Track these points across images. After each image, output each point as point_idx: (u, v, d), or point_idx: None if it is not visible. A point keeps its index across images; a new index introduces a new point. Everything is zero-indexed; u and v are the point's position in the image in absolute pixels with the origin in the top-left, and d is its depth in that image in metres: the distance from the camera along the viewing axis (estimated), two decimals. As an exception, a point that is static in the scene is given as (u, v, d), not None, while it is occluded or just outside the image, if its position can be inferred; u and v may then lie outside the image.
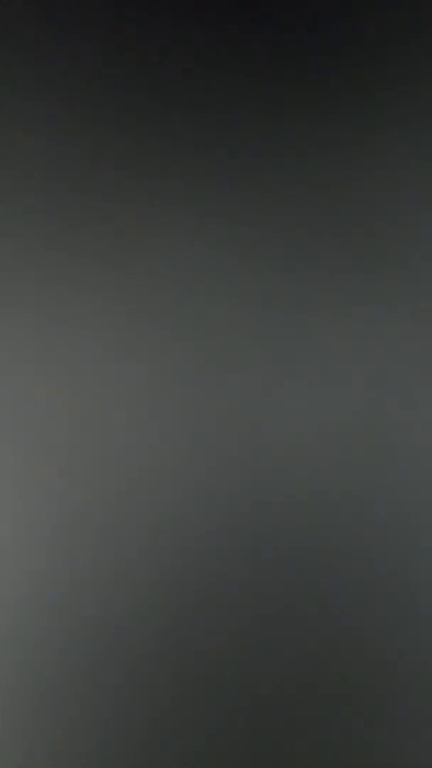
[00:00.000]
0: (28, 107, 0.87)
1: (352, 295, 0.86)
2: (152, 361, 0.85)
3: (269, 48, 0.87)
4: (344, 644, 0.83)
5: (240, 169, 0.86)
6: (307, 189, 0.86)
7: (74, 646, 0.83)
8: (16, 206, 0.86)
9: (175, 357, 0.85)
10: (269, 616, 0.83)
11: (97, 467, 0.84)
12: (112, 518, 0.84)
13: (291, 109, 0.86)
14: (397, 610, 0.83)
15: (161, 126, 0.86)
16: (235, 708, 0.83)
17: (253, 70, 0.87)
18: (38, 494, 0.84)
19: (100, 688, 0.83)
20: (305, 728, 0.83)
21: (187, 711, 0.83)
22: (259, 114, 0.87)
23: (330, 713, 0.83)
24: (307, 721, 0.83)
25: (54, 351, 0.85)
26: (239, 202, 0.86)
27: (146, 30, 0.87)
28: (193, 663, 0.83)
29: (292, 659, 0.83)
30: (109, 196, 0.86)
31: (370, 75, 0.87)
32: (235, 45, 0.87)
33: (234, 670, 0.83)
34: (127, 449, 0.84)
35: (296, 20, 0.87)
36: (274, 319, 0.85)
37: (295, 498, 0.84)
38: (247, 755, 0.82)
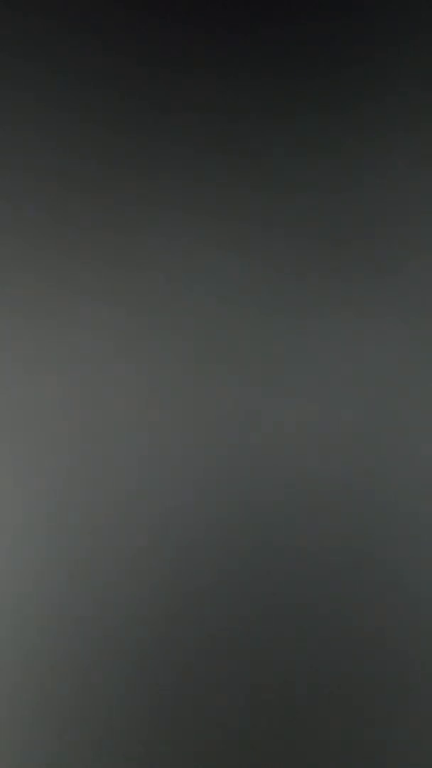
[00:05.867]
0: (29, 107, 0.87)
1: (351, 297, 0.86)
2: (151, 363, 0.85)
3: (270, 49, 0.87)
4: (345, 642, 0.83)
5: (240, 170, 0.86)
6: (307, 191, 0.86)
7: (74, 648, 0.83)
8: (15, 207, 0.86)
9: (174, 359, 0.85)
10: (269, 620, 0.83)
11: (96, 469, 0.84)
12: (112, 520, 0.84)
13: (291, 111, 0.87)
14: (397, 608, 0.83)
15: (161, 126, 0.86)
16: (235, 710, 0.83)
17: (254, 71, 0.87)
18: (38, 496, 0.84)
19: (99, 691, 0.83)
20: (306, 727, 0.83)
21: (187, 713, 0.83)
22: (259, 115, 0.87)
23: (331, 713, 0.83)
24: (308, 720, 0.83)
25: (53, 353, 0.85)
26: (239, 203, 0.86)
27: (146, 29, 0.87)
28: (193, 664, 0.83)
29: (292, 658, 0.83)
30: (108, 196, 0.86)
31: (371, 77, 0.87)
32: (235, 45, 0.87)
33: (234, 673, 0.83)
34: (125, 451, 0.84)
35: (297, 21, 0.87)
36: (274, 320, 0.85)
37: (295, 499, 0.84)
38: (247, 756, 0.82)
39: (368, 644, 0.83)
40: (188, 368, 0.85)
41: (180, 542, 0.84)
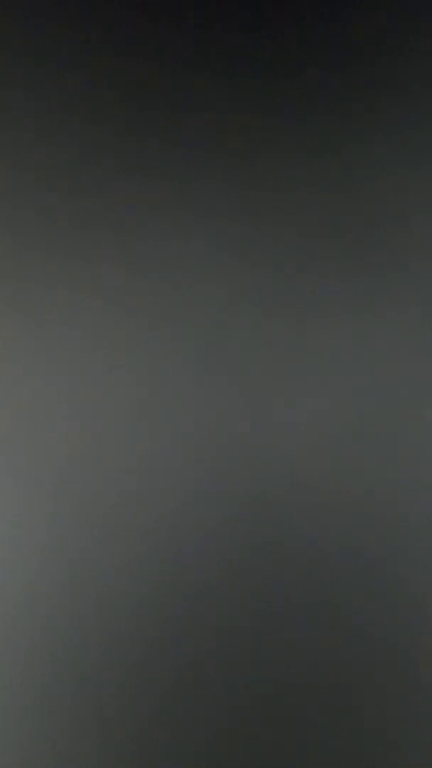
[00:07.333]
0: (28, 107, 0.87)
1: (352, 298, 0.86)
2: (151, 363, 0.85)
3: (270, 48, 0.87)
4: (345, 642, 0.83)
5: (240, 170, 0.86)
6: (307, 191, 0.86)
7: (71, 651, 0.83)
8: (15, 207, 0.86)
9: (175, 359, 0.85)
10: (269, 619, 0.83)
11: (95, 472, 0.84)
12: (110, 523, 0.84)
13: (291, 111, 0.87)
14: (399, 607, 0.83)
15: (161, 126, 0.86)
16: (235, 710, 0.83)
17: (254, 71, 0.87)
18: (36, 498, 0.84)
19: (98, 692, 0.83)
20: (306, 728, 0.83)
21: (187, 715, 0.83)
22: (259, 115, 0.87)
23: (331, 714, 0.83)
24: (309, 720, 0.83)
25: (52, 353, 0.85)
26: (239, 203, 0.86)
27: (146, 29, 0.87)
28: (193, 666, 0.83)
29: (292, 660, 0.83)
30: (108, 196, 0.86)
31: (370, 76, 0.87)
32: (235, 45, 0.87)
33: (234, 675, 0.83)
34: (124, 454, 0.84)
35: (296, 20, 0.87)
36: (275, 321, 0.85)
37: (296, 501, 0.84)
38: (247, 758, 0.82)
39: (370, 644, 0.83)
40: (189, 368, 0.85)
41: (180, 543, 0.84)
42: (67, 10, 0.87)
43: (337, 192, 0.86)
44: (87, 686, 0.83)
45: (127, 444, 0.84)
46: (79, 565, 0.83)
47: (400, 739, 0.82)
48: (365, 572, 0.83)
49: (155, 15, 0.87)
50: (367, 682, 0.83)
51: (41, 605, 0.83)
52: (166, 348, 0.85)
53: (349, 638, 0.83)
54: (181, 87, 0.87)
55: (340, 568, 0.83)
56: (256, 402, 0.85)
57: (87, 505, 0.84)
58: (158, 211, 0.86)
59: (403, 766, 0.82)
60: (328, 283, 0.86)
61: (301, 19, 0.87)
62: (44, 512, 0.84)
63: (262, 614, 0.83)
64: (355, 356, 0.85)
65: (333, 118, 0.86)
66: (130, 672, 0.83)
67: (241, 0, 0.87)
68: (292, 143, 0.86)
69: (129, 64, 0.87)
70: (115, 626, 0.83)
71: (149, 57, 0.87)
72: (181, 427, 0.85)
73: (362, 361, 0.85)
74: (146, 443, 0.84)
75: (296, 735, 0.82)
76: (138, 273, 0.86)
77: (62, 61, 0.86)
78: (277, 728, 0.82)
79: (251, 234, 0.86)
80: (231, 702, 0.83)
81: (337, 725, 0.82)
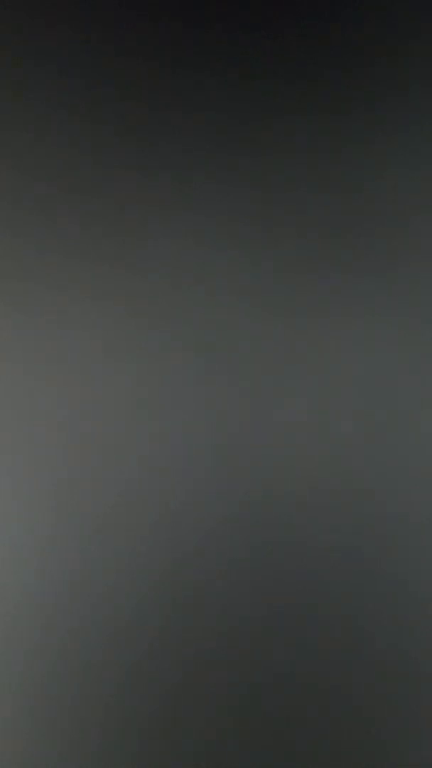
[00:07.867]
0: (29, 107, 0.86)
1: (352, 298, 0.86)
2: (151, 365, 0.85)
3: (270, 47, 0.87)
4: (346, 642, 0.83)
5: (240, 169, 0.86)
6: (308, 190, 0.86)
7: (71, 651, 0.83)
8: (15, 207, 0.86)
9: (174, 360, 0.85)
10: (270, 620, 0.83)
11: (95, 473, 0.84)
12: (110, 523, 0.84)
13: (292, 109, 0.86)
14: (399, 609, 0.83)
15: (161, 125, 0.86)
16: (236, 712, 0.83)
17: (254, 70, 0.87)
18: (36, 499, 0.84)
19: (98, 692, 0.83)
20: (307, 728, 0.83)
21: (188, 715, 0.83)
22: (260, 115, 0.87)
23: (332, 713, 0.83)
24: (309, 720, 0.83)
25: (51, 353, 0.85)
26: (239, 202, 0.86)
27: (146, 29, 0.87)
28: (193, 666, 0.83)
29: (293, 659, 0.83)
30: (108, 196, 0.86)
31: (370, 76, 0.87)
32: (236, 44, 0.87)
33: (234, 675, 0.83)
34: (124, 454, 0.84)
35: (297, 19, 0.87)
36: (275, 321, 0.85)
37: (296, 503, 0.84)
38: (247, 758, 0.82)
39: (370, 644, 0.83)
40: (189, 368, 0.85)
41: (180, 543, 0.84)
42: (67, 10, 0.87)
43: (337, 192, 0.86)
44: (87, 686, 0.83)
45: (127, 444, 0.84)
46: (79, 565, 0.83)
47: (400, 739, 0.82)
48: (365, 572, 0.83)
49: (155, 15, 0.87)
50: (368, 682, 0.83)
51: (41, 605, 0.83)
52: (166, 348, 0.85)
53: (350, 638, 0.83)
54: (181, 87, 0.87)
55: (341, 568, 0.83)
56: (256, 402, 0.85)
57: (87, 506, 0.84)
58: (158, 211, 0.86)
59: (403, 766, 0.82)
60: (328, 283, 0.86)
61: (301, 19, 0.87)
62: (44, 512, 0.84)
63: (262, 614, 0.83)
64: (355, 356, 0.85)
65: (333, 118, 0.86)
66: (130, 672, 0.83)
67: (241, 0, 0.87)
68: (292, 143, 0.86)
69: (129, 64, 0.87)
70: (115, 626, 0.83)
71: (149, 57, 0.87)
72: (181, 427, 0.84)
73: (362, 361, 0.85)
74: (146, 443, 0.84)
75: (297, 735, 0.82)
76: (138, 273, 0.86)
77: (62, 61, 0.86)
78: (278, 728, 0.82)
79: (251, 234, 0.86)
80: (231, 702, 0.83)
81: (338, 725, 0.82)
